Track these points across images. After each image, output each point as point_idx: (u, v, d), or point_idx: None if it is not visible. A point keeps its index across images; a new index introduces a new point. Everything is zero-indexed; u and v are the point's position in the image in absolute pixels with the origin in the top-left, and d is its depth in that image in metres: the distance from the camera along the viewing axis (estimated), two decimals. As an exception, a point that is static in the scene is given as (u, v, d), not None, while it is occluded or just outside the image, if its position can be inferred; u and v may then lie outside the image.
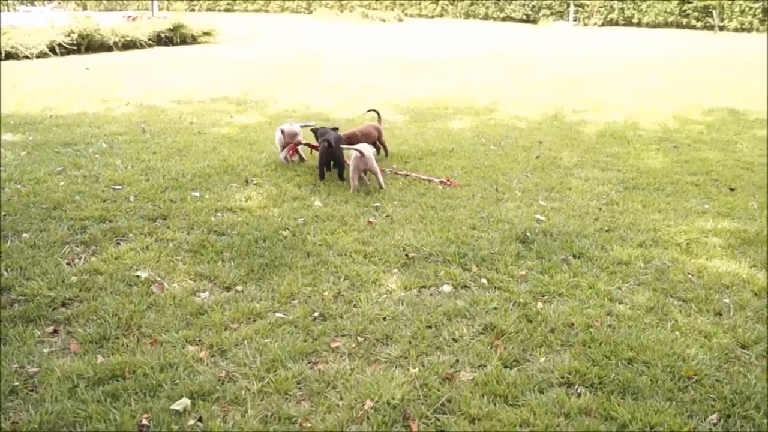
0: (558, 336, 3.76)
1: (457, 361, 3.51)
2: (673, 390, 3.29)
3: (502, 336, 3.74)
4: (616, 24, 38.09)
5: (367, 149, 6.24)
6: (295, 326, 3.80)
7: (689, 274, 4.63)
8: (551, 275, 4.51)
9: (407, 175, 6.74)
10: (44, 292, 4.11)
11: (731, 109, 11.11)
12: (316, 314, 3.95)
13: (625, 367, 3.46)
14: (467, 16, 43.91)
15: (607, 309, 4.09)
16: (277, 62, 17.61)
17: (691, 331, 3.88)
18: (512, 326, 3.83)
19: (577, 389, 3.30)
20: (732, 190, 6.59)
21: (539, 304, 4.11)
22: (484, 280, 4.42)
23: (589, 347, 3.64)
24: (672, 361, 3.53)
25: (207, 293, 4.19)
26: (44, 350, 3.54)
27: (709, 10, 34.38)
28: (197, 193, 6.04)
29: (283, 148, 6.98)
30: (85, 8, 48.82)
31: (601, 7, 38.42)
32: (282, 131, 6.88)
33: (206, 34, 24.20)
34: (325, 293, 4.18)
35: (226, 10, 53.83)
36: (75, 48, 18.98)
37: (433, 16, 44.95)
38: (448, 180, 6.58)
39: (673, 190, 6.54)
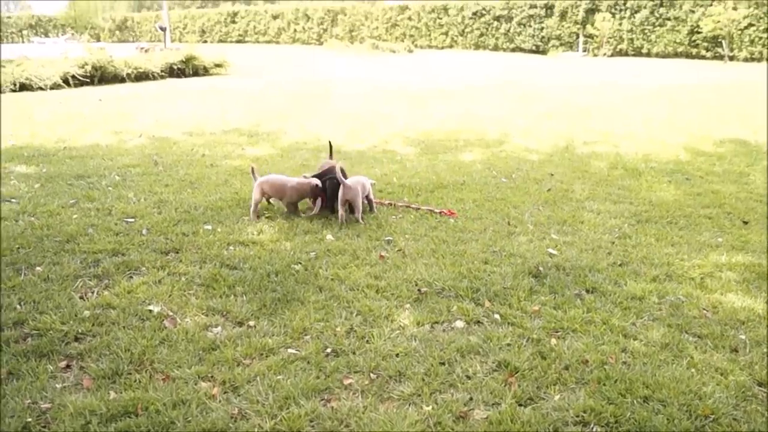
0: (572, 373, 3.73)
1: (471, 398, 3.48)
2: (690, 429, 3.25)
3: (516, 373, 3.71)
4: (626, 54, 38.28)
5: (355, 182, 6.21)
6: (308, 362, 3.79)
7: (704, 309, 4.60)
8: (565, 311, 4.49)
9: (408, 207, 6.74)
10: (57, 326, 4.11)
11: (742, 140, 11.09)
12: (328, 350, 3.93)
13: (640, 406, 3.43)
14: (477, 47, 44.27)
15: (621, 345, 4.05)
16: (287, 93, 17.77)
17: (707, 368, 3.84)
18: (526, 363, 3.80)
19: (592, 428, 3.26)
20: (745, 223, 6.55)
21: (553, 341, 4.08)
22: (497, 316, 4.39)
23: (604, 385, 3.61)
24: (688, 400, 3.49)
25: (219, 328, 4.18)
26: (57, 386, 3.53)
27: (719, 40, 34.51)
28: (209, 227, 6.05)
29: (299, 199, 6.53)
30: (98, 40, 49.51)
31: (610, 37, 38.64)
32: (319, 186, 6.36)
33: (218, 65, 24.51)
34: (338, 329, 4.17)
35: (238, 42, 54.48)
36: (88, 80, 19.24)
37: (443, 47, 45.34)
38: (449, 211, 6.58)
39: (686, 223, 6.51)
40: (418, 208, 6.71)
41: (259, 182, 6.37)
